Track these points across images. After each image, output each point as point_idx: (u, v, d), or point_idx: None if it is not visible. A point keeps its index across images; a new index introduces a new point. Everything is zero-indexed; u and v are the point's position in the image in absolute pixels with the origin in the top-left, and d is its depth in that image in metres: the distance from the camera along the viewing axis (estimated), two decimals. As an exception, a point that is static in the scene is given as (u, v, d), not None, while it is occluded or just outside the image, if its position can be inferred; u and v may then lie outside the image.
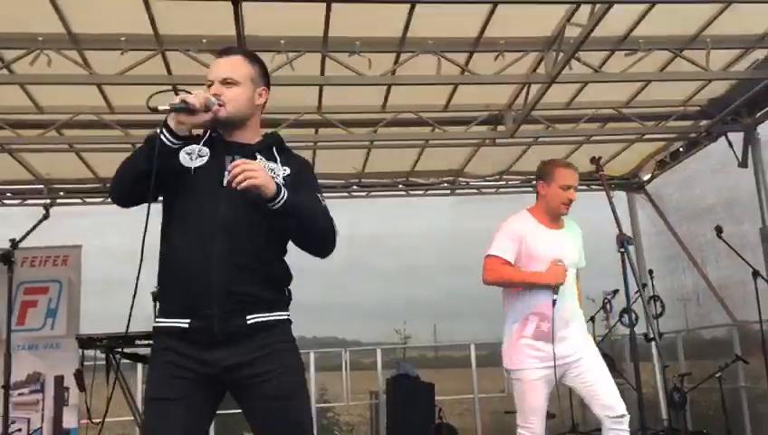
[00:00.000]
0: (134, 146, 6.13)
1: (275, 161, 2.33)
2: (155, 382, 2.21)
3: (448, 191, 8.59)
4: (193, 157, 2.24)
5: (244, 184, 2.07)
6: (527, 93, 6.04)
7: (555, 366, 3.46)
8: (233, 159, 2.19)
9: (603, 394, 3.48)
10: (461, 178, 8.35)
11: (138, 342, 4.48)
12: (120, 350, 4.53)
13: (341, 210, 8.58)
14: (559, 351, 3.47)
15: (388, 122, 6.58)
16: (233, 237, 2.17)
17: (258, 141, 2.38)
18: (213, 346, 2.14)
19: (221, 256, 2.15)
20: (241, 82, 2.32)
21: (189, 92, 2.17)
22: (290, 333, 2.29)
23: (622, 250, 3.00)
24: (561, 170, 3.66)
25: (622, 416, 3.41)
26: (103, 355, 4.60)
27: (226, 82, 2.30)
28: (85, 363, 5.06)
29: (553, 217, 3.72)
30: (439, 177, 8.32)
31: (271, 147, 2.38)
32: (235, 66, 2.35)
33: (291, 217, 2.21)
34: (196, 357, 2.15)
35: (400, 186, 8.40)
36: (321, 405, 9.08)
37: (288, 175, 2.32)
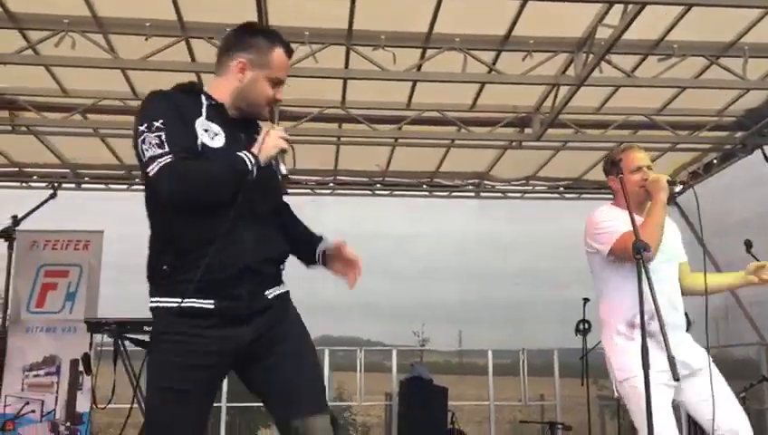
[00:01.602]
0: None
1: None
2: (168, 371, 2.13)
3: (473, 194, 8.45)
4: (210, 135, 2.18)
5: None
6: (555, 96, 5.90)
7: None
8: (243, 140, 2.22)
9: (729, 418, 2.98)
10: (486, 181, 8.22)
11: (146, 328, 4.45)
12: (127, 335, 4.50)
13: (364, 208, 8.54)
14: (681, 356, 2.88)
15: (413, 120, 6.49)
16: (260, 219, 2.23)
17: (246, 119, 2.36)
18: (238, 324, 2.16)
19: (252, 238, 2.18)
20: None
21: (284, 143, 2.19)
22: (291, 301, 2.37)
23: (638, 257, 2.83)
24: (627, 155, 3.29)
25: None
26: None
27: None
28: (101, 349, 5.08)
29: (637, 207, 3.23)
30: (464, 178, 8.20)
31: (257, 123, 2.36)
32: None
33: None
34: (220, 337, 2.13)
35: (424, 186, 8.29)
36: (338, 404, 9.02)
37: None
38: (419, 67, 5.44)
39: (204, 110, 2.20)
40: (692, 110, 6.44)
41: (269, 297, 2.23)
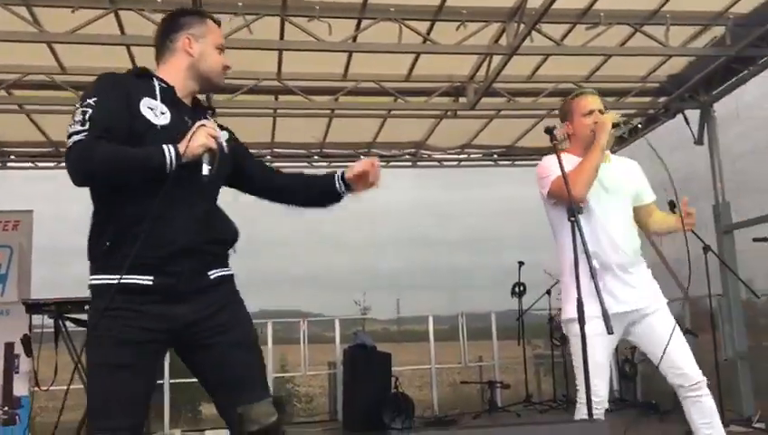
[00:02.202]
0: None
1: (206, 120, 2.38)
2: (106, 346, 2.12)
3: (410, 163, 8.57)
4: (156, 113, 2.20)
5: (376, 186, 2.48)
6: (489, 65, 6.03)
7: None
8: (192, 123, 2.21)
9: (680, 361, 3.04)
10: (423, 151, 8.35)
11: (87, 307, 4.39)
12: (68, 315, 4.43)
13: (301, 180, 8.48)
14: (623, 296, 3.06)
15: (350, 91, 6.52)
16: (206, 197, 2.26)
17: (193, 104, 2.39)
18: (176, 302, 2.16)
19: (195, 216, 2.20)
20: None
21: (212, 143, 2.15)
22: (236, 288, 2.38)
23: (572, 219, 2.96)
24: (578, 101, 3.32)
25: (699, 382, 3.02)
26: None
27: None
28: (37, 331, 4.97)
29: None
30: (401, 148, 8.30)
31: (205, 110, 2.41)
32: None
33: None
34: (157, 314, 2.13)
35: (362, 157, 8.32)
36: (281, 375, 9.08)
37: (228, 138, 2.43)
38: (355, 38, 5.47)
39: (157, 92, 2.24)
40: (618, 76, 6.68)
41: (211, 277, 2.24)
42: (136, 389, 2.13)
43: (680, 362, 3.04)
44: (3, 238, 7.03)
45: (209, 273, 2.24)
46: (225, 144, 2.34)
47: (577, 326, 2.93)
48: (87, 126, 2.07)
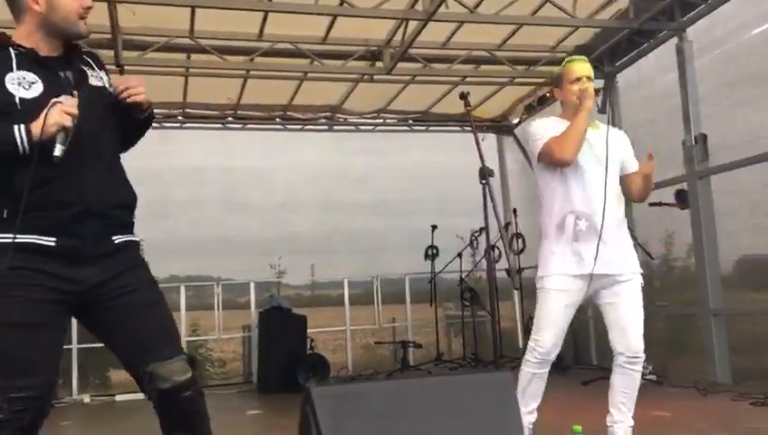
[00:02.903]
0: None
1: (92, 67, 2.31)
2: (9, 306, 2.07)
3: (326, 127, 8.58)
4: (24, 86, 2.12)
5: (138, 99, 2.22)
6: (405, 30, 6.08)
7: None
8: (66, 77, 2.18)
9: (630, 331, 3.17)
10: (339, 115, 8.36)
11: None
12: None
13: (215, 142, 8.38)
14: (604, 258, 3.13)
15: (265, 52, 6.44)
16: (98, 158, 2.19)
17: (67, 52, 2.26)
18: (80, 265, 2.13)
19: (93, 178, 2.16)
20: None
21: (67, 120, 2.05)
22: (141, 254, 2.39)
23: (484, 182, 3.10)
24: (567, 67, 3.36)
25: (638, 357, 3.18)
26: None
27: None
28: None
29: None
30: (317, 112, 8.29)
31: (80, 54, 2.31)
32: None
33: (144, 126, 2.37)
34: (61, 275, 2.10)
35: (277, 120, 8.29)
36: (193, 339, 8.99)
37: (109, 78, 2.36)
38: (271, -3, 5.39)
39: (14, 62, 2.13)
40: (528, 45, 6.89)
41: (115, 242, 2.22)
42: (38, 347, 2.09)
43: (630, 333, 3.17)
44: None
45: (114, 238, 2.22)
46: (110, 90, 2.29)
47: (545, 281, 3.22)
48: None
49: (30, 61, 2.14)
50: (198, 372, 8.58)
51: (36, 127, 2.03)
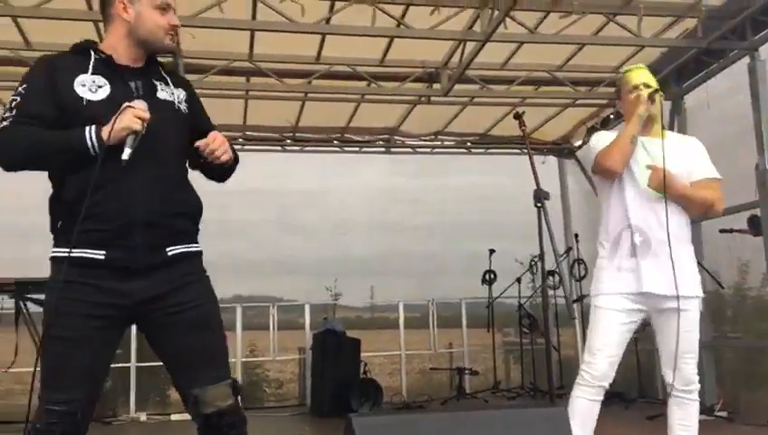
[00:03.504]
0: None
1: (167, 83, 2.33)
2: (58, 318, 2.10)
3: (383, 149, 8.54)
4: (92, 88, 2.17)
5: (222, 160, 2.22)
6: (462, 51, 6.01)
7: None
8: (136, 87, 2.23)
9: (682, 360, 2.99)
10: (396, 137, 8.33)
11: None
12: (29, 296, 4.36)
13: (273, 164, 8.45)
14: (658, 277, 2.94)
15: (323, 75, 6.46)
16: (158, 168, 2.19)
17: (145, 65, 2.32)
18: (129, 277, 2.13)
19: (145, 188, 2.15)
20: None
21: (137, 124, 2.08)
22: (202, 265, 2.33)
23: (538, 205, 2.98)
24: (624, 77, 3.24)
25: (693, 388, 3.04)
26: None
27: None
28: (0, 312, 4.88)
29: (645, 125, 3.13)
30: (375, 134, 8.27)
31: (158, 69, 2.35)
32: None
33: (223, 169, 2.35)
34: (110, 289, 2.11)
35: (335, 142, 8.30)
36: (250, 359, 9.03)
37: (186, 97, 2.35)
38: (328, 20, 5.41)
39: (90, 65, 2.19)
40: (591, 66, 6.71)
41: (168, 253, 2.18)
42: (78, 364, 2.10)
43: (686, 365, 3.00)
44: (-37, 218, 6.89)
45: (168, 249, 2.19)
46: (182, 105, 2.31)
47: (598, 299, 3.05)
48: (13, 113, 2.12)
49: (104, 66, 2.21)
50: (247, 393, 8.63)
51: (106, 130, 2.07)
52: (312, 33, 5.60)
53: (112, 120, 2.06)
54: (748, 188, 5.87)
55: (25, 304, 4.36)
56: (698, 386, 3.04)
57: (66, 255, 2.09)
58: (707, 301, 6.48)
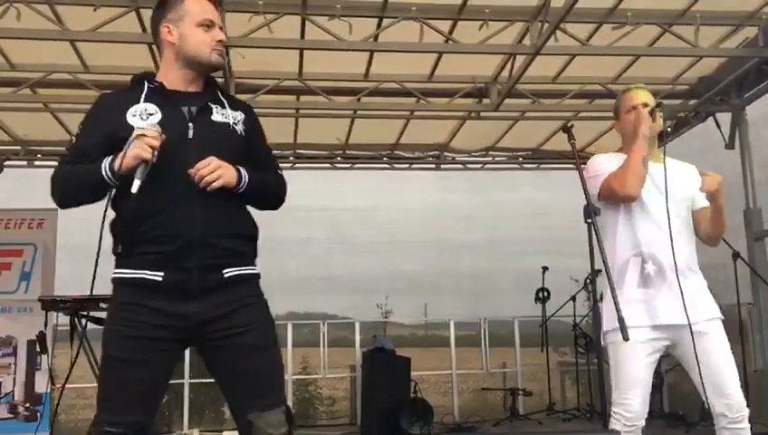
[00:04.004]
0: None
1: (224, 106, 2.32)
2: (117, 340, 2.15)
3: (433, 165, 8.49)
4: (143, 116, 2.20)
5: (214, 185, 2.14)
6: (512, 65, 5.92)
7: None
8: (189, 111, 2.23)
9: (725, 386, 2.81)
10: (447, 153, 8.26)
11: (103, 305, 4.40)
12: (84, 313, 4.43)
13: (323, 181, 8.49)
14: (674, 306, 2.79)
15: (372, 91, 6.47)
16: (216, 191, 2.18)
17: (203, 89, 2.34)
18: (187, 299, 2.14)
19: (201, 210, 2.15)
20: None
21: (147, 153, 2.08)
22: (260, 288, 2.32)
23: (589, 221, 2.85)
24: (623, 97, 3.14)
25: (743, 414, 2.82)
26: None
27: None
28: (57, 327, 4.99)
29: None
30: (425, 150, 8.23)
31: (215, 92, 2.35)
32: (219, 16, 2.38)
33: (253, 194, 2.29)
34: (168, 311, 2.13)
35: (385, 159, 8.29)
36: (301, 377, 9.05)
37: (244, 120, 2.34)
38: (376, 37, 5.40)
39: (143, 95, 2.24)
40: (646, 78, 6.48)
41: (225, 275, 2.18)
42: (141, 384, 2.12)
43: (727, 391, 2.81)
44: (28, 236, 7.13)
45: (224, 271, 2.19)
46: (238, 126, 2.30)
47: (614, 336, 2.82)
48: (70, 152, 2.25)
49: (156, 93, 2.24)
50: (298, 410, 8.62)
51: (118, 159, 2.09)
52: (360, 50, 5.61)
53: (124, 149, 2.08)
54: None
55: (80, 322, 4.43)
56: (748, 410, 2.82)
57: (123, 276, 2.15)
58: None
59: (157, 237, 2.12)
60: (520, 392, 7.71)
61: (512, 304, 8.37)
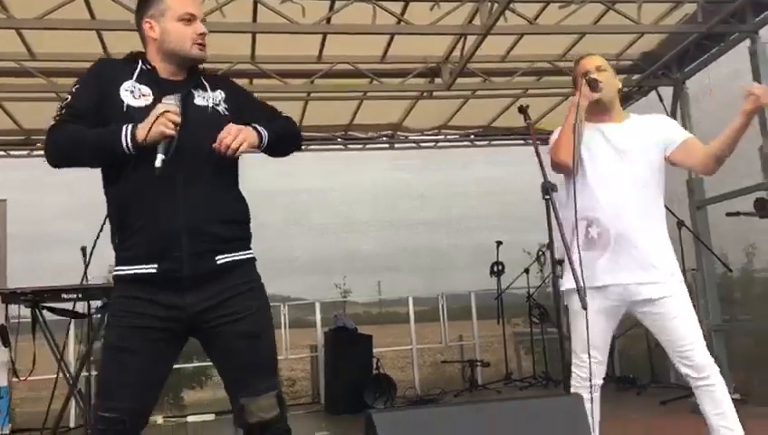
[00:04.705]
0: (58, 95, 5.90)
1: (205, 89, 2.36)
2: (116, 331, 2.22)
3: (387, 145, 8.57)
4: (135, 95, 2.23)
5: (242, 149, 2.19)
6: (463, 45, 6.03)
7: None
8: (175, 99, 2.22)
9: (688, 347, 2.88)
10: (399, 133, 8.35)
11: (65, 295, 4.38)
12: (45, 304, 4.40)
13: (278, 164, 8.45)
14: (625, 267, 2.89)
15: (325, 74, 6.49)
16: (196, 176, 2.21)
17: (186, 77, 2.36)
18: (183, 290, 2.18)
19: (186, 196, 2.18)
20: None
21: (170, 131, 2.11)
22: (256, 272, 2.35)
23: (547, 197, 2.97)
24: (579, 63, 3.19)
25: (709, 373, 2.87)
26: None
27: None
28: (18, 321, 4.95)
29: (600, 112, 3.10)
30: (378, 131, 8.29)
31: (198, 77, 2.38)
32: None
33: (276, 145, 2.38)
34: (165, 302, 2.17)
35: (339, 139, 8.34)
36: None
37: (225, 98, 2.37)
38: (329, 20, 5.43)
39: (136, 73, 2.27)
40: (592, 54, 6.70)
41: (218, 262, 2.21)
42: (137, 373, 2.17)
43: (690, 352, 2.87)
44: (-25, 228, 6.93)
45: (217, 258, 2.21)
46: (219, 106, 2.32)
47: (565, 297, 3.01)
48: (63, 111, 2.19)
49: (150, 77, 2.27)
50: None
51: (143, 130, 2.10)
52: (312, 33, 5.63)
53: (148, 122, 2.10)
54: (753, 170, 5.88)
55: (41, 314, 4.40)
56: (716, 368, 2.89)
57: (122, 273, 2.22)
58: (718, 285, 6.53)
59: (146, 227, 2.16)
60: (478, 363, 7.94)
61: (468, 279, 8.56)
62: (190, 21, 2.30)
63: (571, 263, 2.77)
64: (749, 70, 5.87)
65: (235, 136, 2.18)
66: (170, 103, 2.14)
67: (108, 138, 2.14)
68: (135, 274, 2.19)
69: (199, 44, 2.31)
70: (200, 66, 2.41)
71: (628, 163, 3.00)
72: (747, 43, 5.90)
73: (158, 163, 2.09)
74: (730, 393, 4.12)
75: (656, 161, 3.05)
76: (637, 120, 3.15)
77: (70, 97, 2.22)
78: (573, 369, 3.00)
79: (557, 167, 3.06)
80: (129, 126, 2.12)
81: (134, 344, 2.16)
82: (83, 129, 2.17)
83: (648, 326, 3.02)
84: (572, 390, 2.98)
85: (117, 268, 2.24)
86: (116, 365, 2.18)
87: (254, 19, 5.43)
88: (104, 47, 5.58)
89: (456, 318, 8.86)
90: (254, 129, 2.28)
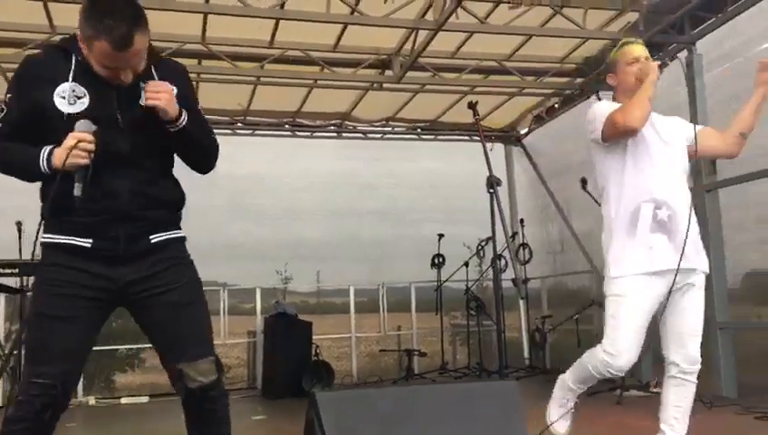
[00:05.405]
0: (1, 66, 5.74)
1: (153, 80, 2.30)
2: (43, 298, 2.22)
3: (335, 134, 8.61)
4: (70, 100, 2.16)
5: (149, 102, 2.16)
6: (415, 39, 6.11)
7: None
8: (118, 95, 2.19)
9: (689, 339, 2.92)
10: (348, 123, 8.40)
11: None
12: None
13: (223, 147, 8.35)
14: (680, 251, 2.83)
15: (276, 59, 6.48)
16: (134, 168, 2.24)
17: None
18: (116, 264, 2.22)
19: (128, 185, 2.22)
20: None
21: (83, 160, 2.09)
22: (186, 250, 2.40)
23: (491, 191, 3.09)
24: (623, 51, 3.12)
25: (695, 369, 2.93)
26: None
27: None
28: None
29: None
30: (326, 119, 8.32)
31: (148, 68, 2.28)
32: (141, 51, 2.16)
33: (186, 141, 2.31)
34: (95, 272, 2.20)
35: (286, 126, 8.33)
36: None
37: (176, 93, 2.29)
38: (283, 5, 5.43)
39: (72, 72, 2.17)
40: (538, 56, 6.91)
41: (152, 241, 2.27)
42: (68, 339, 2.18)
43: (687, 343, 2.92)
44: None
45: (151, 237, 2.27)
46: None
47: (620, 283, 2.91)
48: (1, 121, 2.19)
49: (85, 71, 2.17)
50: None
51: (58, 160, 2.10)
52: (265, 17, 5.62)
53: (64, 149, 2.08)
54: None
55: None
56: (699, 367, 2.95)
57: (54, 241, 2.21)
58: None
59: (85, 210, 2.17)
60: (415, 353, 8.08)
61: (409, 271, 8.67)
62: (112, 71, 2.15)
63: (629, 247, 2.80)
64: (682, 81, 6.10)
65: (157, 91, 2.17)
66: (83, 131, 2.11)
67: (29, 162, 2.16)
68: (67, 243, 2.21)
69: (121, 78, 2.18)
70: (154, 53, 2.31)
71: (673, 151, 3.04)
72: (685, 53, 6.17)
73: (76, 192, 2.11)
74: (652, 388, 4.26)
75: (686, 154, 3.10)
76: (666, 118, 3.18)
77: (5, 105, 2.19)
78: (607, 359, 2.92)
79: (624, 131, 2.90)
80: (46, 152, 2.12)
81: (63, 311, 2.17)
82: (11, 147, 2.18)
83: (668, 309, 2.96)
84: (598, 375, 3.02)
85: (47, 235, 2.23)
86: (46, 331, 2.18)
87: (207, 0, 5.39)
88: (50, 18, 5.45)
89: (395, 310, 8.98)
90: (180, 110, 2.24)
